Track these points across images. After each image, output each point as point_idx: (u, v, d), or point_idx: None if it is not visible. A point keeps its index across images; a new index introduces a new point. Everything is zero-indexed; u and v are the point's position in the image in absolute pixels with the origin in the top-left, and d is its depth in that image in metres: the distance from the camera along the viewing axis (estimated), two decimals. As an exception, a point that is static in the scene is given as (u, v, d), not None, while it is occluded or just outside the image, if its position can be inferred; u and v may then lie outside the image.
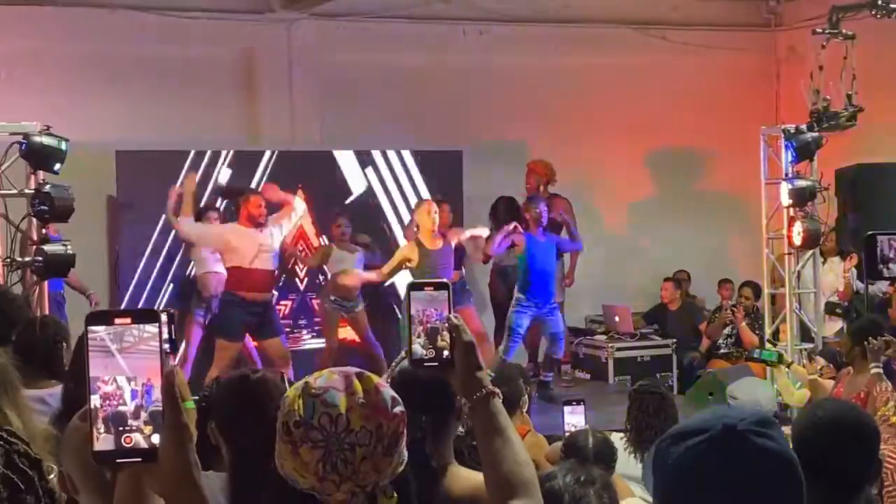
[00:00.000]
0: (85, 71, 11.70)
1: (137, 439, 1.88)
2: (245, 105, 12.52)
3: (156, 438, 1.89)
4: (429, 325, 2.39)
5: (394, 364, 3.55)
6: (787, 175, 10.36)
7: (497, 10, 13.03)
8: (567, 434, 5.54)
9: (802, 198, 10.16)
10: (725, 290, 12.49)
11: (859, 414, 3.72)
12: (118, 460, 1.89)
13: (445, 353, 2.40)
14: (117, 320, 1.89)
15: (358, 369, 2.29)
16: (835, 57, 10.58)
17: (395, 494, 2.24)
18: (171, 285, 11.36)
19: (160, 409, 1.89)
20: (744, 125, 12.22)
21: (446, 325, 2.39)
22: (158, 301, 11.20)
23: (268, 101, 12.49)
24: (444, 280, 2.48)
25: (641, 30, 13.35)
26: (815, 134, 10.30)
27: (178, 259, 11.36)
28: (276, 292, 10.95)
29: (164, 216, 10.92)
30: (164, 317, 1.96)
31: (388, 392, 2.25)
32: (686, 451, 1.83)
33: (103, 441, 1.88)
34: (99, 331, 1.88)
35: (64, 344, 5.74)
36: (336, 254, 11.01)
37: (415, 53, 12.78)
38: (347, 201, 11.96)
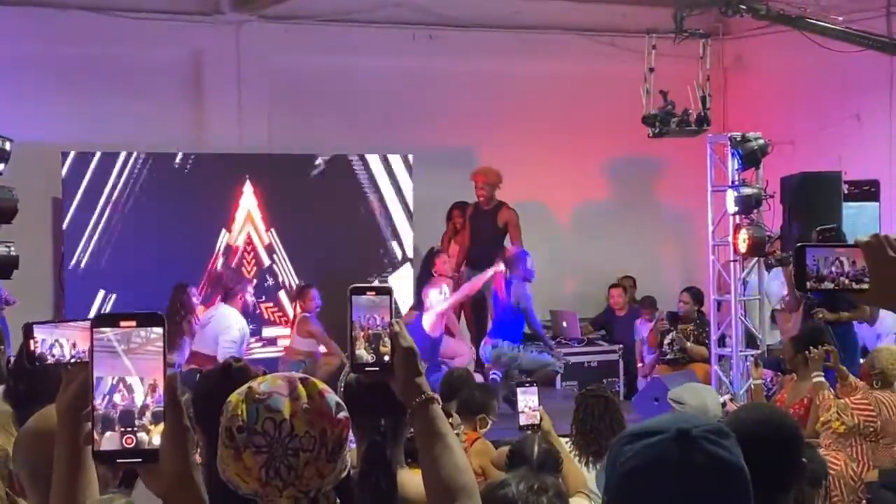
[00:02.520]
0: (31, 71, 11.57)
1: (139, 440, 1.90)
2: (193, 106, 12.44)
3: (156, 440, 1.90)
4: (370, 331, 2.38)
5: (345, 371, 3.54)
6: (732, 182, 10.44)
7: (448, 15, 13.04)
8: (521, 416, 5.54)
9: (748, 205, 10.25)
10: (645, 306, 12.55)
11: (782, 416, 3.78)
12: (118, 460, 1.91)
13: (387, 358, 2.39)
14: (123, 323, 1.93)
15: (303, 375, 2.29)
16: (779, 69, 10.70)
17: (338, 500, 2.24)
18: (115, 295, 11.24)
19: (162, 410, 1.91)
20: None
21: (388, 330, 2.39)
22: (112, 306, 11.08)
23: (216, 102, 12.43)
24: (387, 285, 2.48)
25: (590, 36, 13.41)
26: (762, 141, 10.38)
27: (126, 262, 11.31)
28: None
29: (110, 218, 10.86)
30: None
31: (333, 397, 2.25)
32: (640, 450, 1.86)
33: (104, 441, 1.90)
34: (105, 332, 1.92)
35: (2, 346, 5.66)
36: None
37: (364, 57, 12.76)
38: (296, 205, 11.95)
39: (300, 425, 2.17)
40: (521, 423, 5.56)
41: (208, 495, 2.32)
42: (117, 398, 1.90)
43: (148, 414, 1.90)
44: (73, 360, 2.21)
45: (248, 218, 11.83)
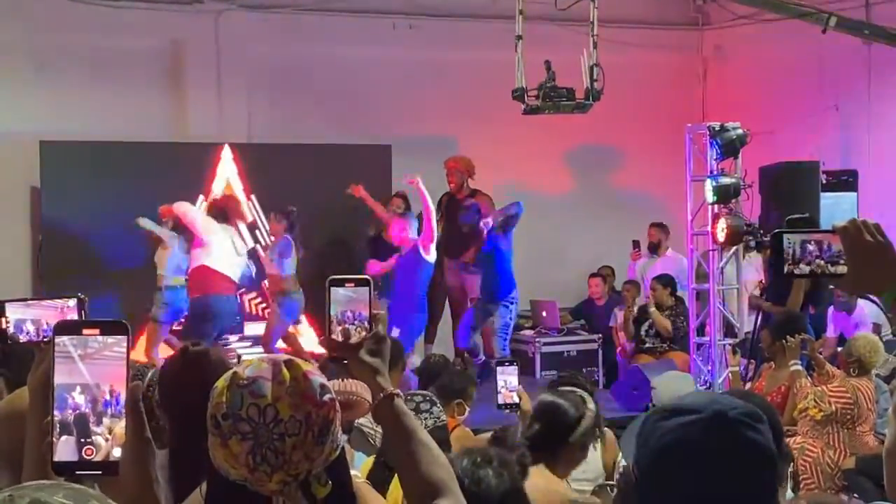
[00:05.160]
0: (9, 59, 11.52)
1: (99, 450, 1.87)
2: (172, 96, 12.40)
3: (117, 452, 1.88)
4: (346, 326, 2.37)
5: None
6: (711, 172, 10.47)
7: (428, 4, 13.03)
8: (499, 395, 5.53)
9: (726, 195, 10.27)
10: (626, 290, 12.59)
11: (760, 401, 3.81)
12: (78, 472, 1.88)
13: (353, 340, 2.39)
14: (85, 330, 1.89)
15: (288, 356, 2.28)
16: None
17: (330, 482, 2.24)
18: (99, 281, 11.20)
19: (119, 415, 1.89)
20: (670, 123, 12.34)
21: (363, 325, 2.38)
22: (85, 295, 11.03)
23: (195, 92, 12.39)
24: (366, 276, 2.47)
25: (568, 26, 13.40)
26: (741, 131, 10.40)
27: (104, 252, 11.26)
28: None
29: (88, 207, 10.83)
30: (78, 310, 1.97)
31: (318, 379, 2.24)
32: (675, 427, 1.88)
33: (63, 451, 1.87)
34: (64, 340, 1.88)
35: None
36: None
37: (345, 46, 12.73)
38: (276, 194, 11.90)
39: (284, 409, 2.17)
40: (500, 403, 5.55)
41: (173, 480, 2.33)
42: (72, 403, 1.87)
43: (105, 420, 1.88)
44: (45, 339, 2.20)
45: (227, 187, 11.77)
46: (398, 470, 2.41)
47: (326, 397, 2.22)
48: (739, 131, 10.37)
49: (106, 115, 11.69)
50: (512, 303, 11.41)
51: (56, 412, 1.86)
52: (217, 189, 11.75)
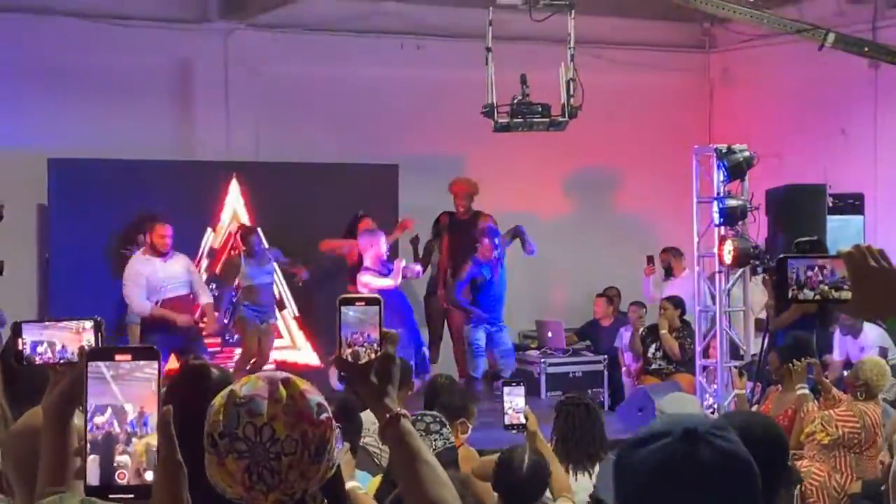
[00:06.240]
0: (17, 77, 11.55)
1: (130, 474, 1.88)
2: (180, 114, 12.44)
3: (149, 475, 1.89)
4: (356, 348, 2.36)
5: None
6: (718, 194, 10.46)
7: (436, 25, 13.06)
8: (506, 416, 5.52)
9: (733, 217, 10.27)
10: (632, 311, 12.59)
11: (767, 421, 3.81)
12: (111, 496, 1.89)
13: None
14: (118, 356, 1.92)
15: (285, 374, 2.28)
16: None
17: (325, 500, 2.24)
18: (112, 295, 11.22)
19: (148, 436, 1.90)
20: (677, 145, 12.35)
21: (372, 347, 2.37)
22: (98, 311, 11.03)
23: (203, 110, 12.43)
24: (376, 296, 2.47)
25: (577, 47, 13.43)
26: (747, 154, 10.40)
27: (111, 270, 11.28)
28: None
29: (96, 225, 10.86)
30: (95, 332, 1.98)
31: (315, 398, 2.24)
32: (649, 455, 1.89)
33: (95, 475, 1.88)
34: (98, 365, 1.92)
35: None
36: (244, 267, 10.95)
37: (352, 66, 12.77)
38: (284, 212, 11.92)
39: (281, 428, 2.17)
40: (507, 423, 5.53)
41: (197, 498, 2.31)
42: (103, 423, 1.89)
43: (135, 441, 1.90)
44: (61, 361, 2.21)
45: (233, 218, 11.81)
46: (402, 490, 2.41)
47: (323, 416, 2.22)
48: (746, 153, 10.36)
49: (114, 133, 11.71)
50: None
51: (89, 437, 1.89)
52: (225, 218, 11.78)
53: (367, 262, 10.74)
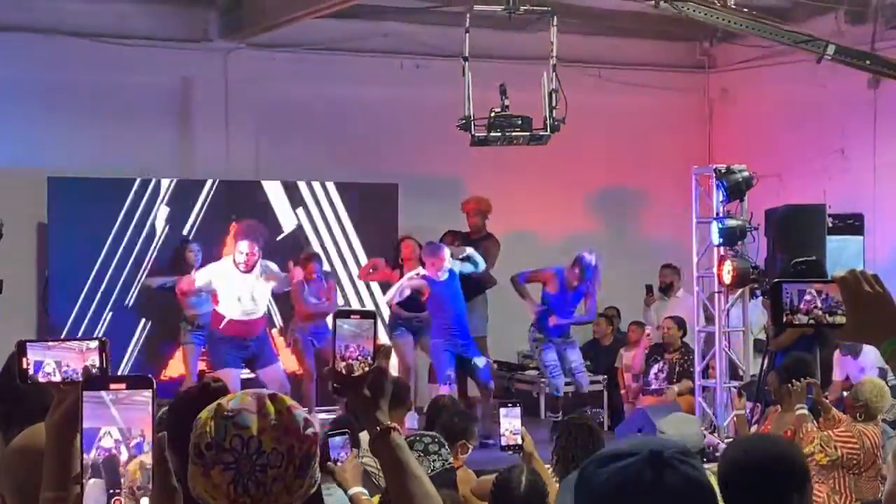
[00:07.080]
0: (17, 95, 11.58)
1: (125, 495, 1.92)
2: (180, 134, 12.47)
3: (144, 502, 1.93)
4: (349, 361, 2.40)
5: None
6: (717, 214, 10.48)
7: (435, 44, 13.08)
8: (502, 438, 5.50)
9: (732, 237, 10.28)
10: (632, 331, 12.58)
11: (784, 446, 3.79)
12: None
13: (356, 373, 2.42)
14: (112, 385, 1.97)
15: (272, 391, 2.31)
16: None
17: None
18: (111, 314, 11.24)
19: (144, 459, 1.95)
20: (676, 165, 12.37)
21: (365, 360, 2.41)
22: (98, 329, 11.05)
23: (203, 130, 12.45)
24: (371, 310, 2.49)
25: (577, 67, 13.47)
26: (747, 174, 10.42)
27: (118, 286, 11.28)
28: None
29: (95, 244, 10.88)
30: (99, 352, 2.01)
31: (301, 413, 2.27)
32: (613, 472, 1.89)
33: (92, 499, 1.92)
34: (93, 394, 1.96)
35: None
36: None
37: (352, 86, 12.79)
38: (280, 236, 11.91)
39: (268, 441, 2.19)
40: (503, 445, 5.52)
41: None
42: (102, 447, 1.93)
43: (133, 463, 1.93)
44: (65, 380, 2.23)
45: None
46: (393, 500, 2.44)
47: (309, 431, 2.25)
48: (745, 174, 10.39)
49: (114, 152, 11.73)
50: None
51: (85, 455, 1.92)
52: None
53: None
